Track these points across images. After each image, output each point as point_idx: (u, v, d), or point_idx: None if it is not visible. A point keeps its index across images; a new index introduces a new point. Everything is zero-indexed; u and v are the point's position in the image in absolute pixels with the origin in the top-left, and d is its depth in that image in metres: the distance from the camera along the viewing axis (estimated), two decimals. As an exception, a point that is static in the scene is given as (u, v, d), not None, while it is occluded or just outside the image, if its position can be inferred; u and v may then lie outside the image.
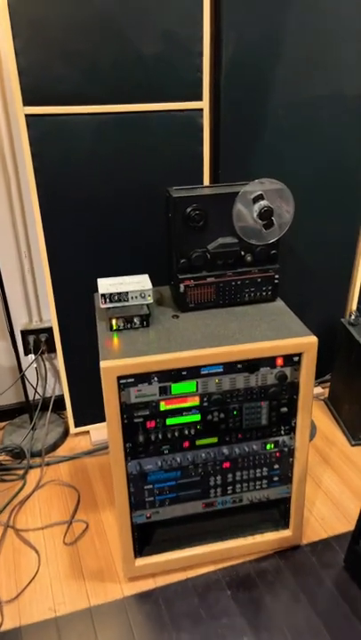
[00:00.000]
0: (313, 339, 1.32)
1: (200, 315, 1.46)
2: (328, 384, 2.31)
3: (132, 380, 1.27)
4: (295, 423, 1.43)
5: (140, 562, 1.52)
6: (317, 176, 1.92)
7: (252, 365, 1.32)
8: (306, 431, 1.44)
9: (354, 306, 2.19)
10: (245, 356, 1.30)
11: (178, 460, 1.40)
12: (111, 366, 1.23)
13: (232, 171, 1.80)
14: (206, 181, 1.79)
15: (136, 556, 1.52)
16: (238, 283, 1.47)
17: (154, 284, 1.55)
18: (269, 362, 1.33)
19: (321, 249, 2.07)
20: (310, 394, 1.39)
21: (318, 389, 2.39)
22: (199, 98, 1.65)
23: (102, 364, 1.23)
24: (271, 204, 1.40)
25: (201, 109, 1.67)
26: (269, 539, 1.59)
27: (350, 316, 2.10)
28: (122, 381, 1.26)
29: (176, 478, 1.43)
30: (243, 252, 1.45)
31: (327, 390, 2.33)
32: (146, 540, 1.55)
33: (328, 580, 1.55)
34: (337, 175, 1.95)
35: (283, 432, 1.44)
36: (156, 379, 1.28)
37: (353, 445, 2.07)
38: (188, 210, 1.37)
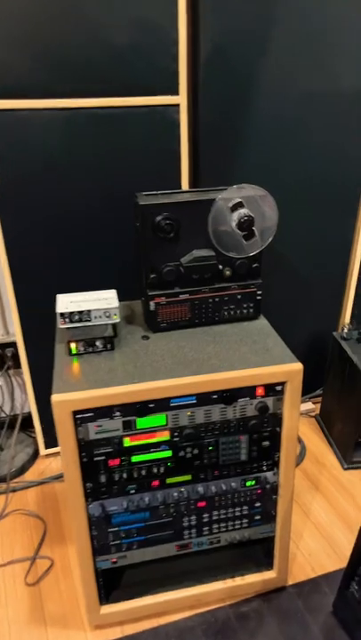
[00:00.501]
0: (298, 366, 1.17)
1: (173, 336, 1.30)
2: (319, 399, 2.17)
3: (91, 414, 1.11)
4: (278, 458, 1.28)
5: (107, 609, 1.37)
6: (307, 179, 1.76)
7: (229, 396, 1.17)
8: (291, 466, 1.29)
9: (347, 319, 2.04)
10: (222, 386, 1.14)
11: (146, 500, 1.24)
12: (65, 400, 1.08)
13: (214, 173, 1.64)
14: (185, 185, 1.63)
15: (102, 603, 1.36)
16: (216, 300, 1.32)
17: (127, 298, 1.40)
18: (249, 391, 1.18)
19: (312, 258, 1.92)
20: (295, 426, 1.23)
21: (309, 405, 2.25)
22: (175, 92, 1.49)
23: (54, 397, 1.07)
24: (252, 212, 1.24)
25: (177, 105, 1.50)
26: (251, 581, 1.44)
27: (343, 329, 1.94)
28: (79, 416, 1.10)
29: (145, 520, 1.27)
30: (221, 266, 1.29)
31: (318, 406, 2.18)
32: (114, 583, 1.40)
33: (315, 627, 1.40)
34: (329, 179, 1.79)
35: (265, 467, 1.29)
36: (118, 413, 1.12)
37: (345, 469, 1.93)
38: (158, 219, 1.21)
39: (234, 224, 1.25)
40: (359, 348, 1.88)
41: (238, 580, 1.43)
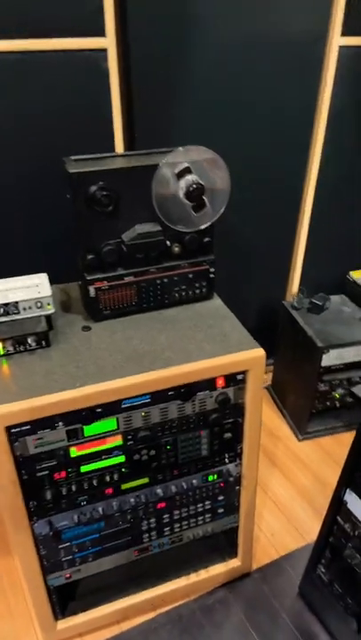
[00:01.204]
0: (259, 352, 1.05)
1: (118, 324, 1.14)
2: (271, 369, 2.10)
3: (29, 427, 0.94)
4: (241, 449, 1.18)
5: (63, 624, 1.25)
6: (256, 136, 1.61)
7: (187, 392, 1.04)
8: (254, 456, 1.20)
9: (295, 287, 1.96)
10: (179, 381, 1.01)
11: (100, 510, 1.11)
12: (-5, 415, 0.90)
13: (152, 133, 1.45)
14: (119, 148, 1.43)
15: (57, 618, 1.24)
16: (165, 280, 1.16)
17: (61, 280, 1.21)
18: (208, 384, 1.06)
19: (259, 226, 1.79)
20: (258, 415, 1.14)
21: (259, 376, 2.18)
22: (101, 33, 1.26)
23: (-19, 414, 0.89)
24: (201, 179, 1.08)
25: (105, 50, 1.28)
26: (216, 572, 1.37)
27: (293, 299, 1.86)
28: (14, 430, 0.93)
29: (99, 530, 1.14)
30: (168, 242, 1.13)
31: (270, 377, 2.12)
32: (69, 595, 1.28)
33: (282, 612, 1.36)
34: (279, 136, 1.64)
35: (227, 460, 1.19)
36: (61, 423, 0.96)
37: (300, 440, 1.89)
38: (93, 189, 1.02)
39: (181, 193, 1.08)
40: (310, 318, 1.82)
41: (203, 574, 1.36)
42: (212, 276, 1.20)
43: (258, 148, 1.64)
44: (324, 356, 1.68)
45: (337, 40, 1.57)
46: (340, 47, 1.59)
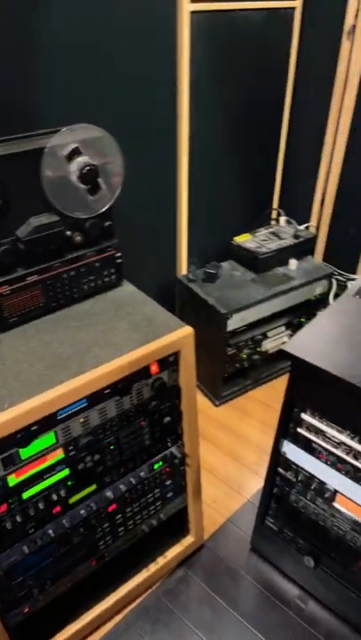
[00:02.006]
0: (188, 330, 1.04)
1: (31, 330, 1.03)
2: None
3: None
4: (182, 430, 1.17)
5: (29, 662, 1.15)
6: (127, 108, 1.55)
7: (124, 386, 0.98)
8: (195, 434, 1.20)
9: (184, 260, 1.97)
10: (114, 377, 0.95)
11: (50, 532, 1.02)
12: None
13: (12, 110, 1.29)
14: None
15: (21, 658, 1.13)
16: (72, 274, 1.07)
17: None
18: (143, 372, 1.01)
19: (141, 204, 1.75)
20: (193, 393, 1.13)
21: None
22: None
23: None
24: (92, 159, 1.00)
25: None
26: (173, 555, 1.37)
27: (188, 272, 1.87)
28: None
29: (52, 553, 1.06)
30: (68, 232, 1.04)
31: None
32: (31, 625, 1.17)
33: (241, 570, 1.42)
34: (148, 106, 1.60)
35: (169, 444, 1.17)
36: (-7, 452, 0.85)
37: (218, 405, 1.95)
38: (-25, 184, 0.89)
39: (74, 177, 1.00)
40: (207, 287, 1.85)
41: (161, 561, 1.35)
42: (119, 261, 1.14)
43: (130, 121, 1.58)
44: (228, 322, 1.73)
45: (187, 6, 1.56)
46: (191, 12, 1.58)
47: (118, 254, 1.13)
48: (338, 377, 0.97)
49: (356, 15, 1.95)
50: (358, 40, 1.99)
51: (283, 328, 1.97)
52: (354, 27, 1.98)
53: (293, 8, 1.89)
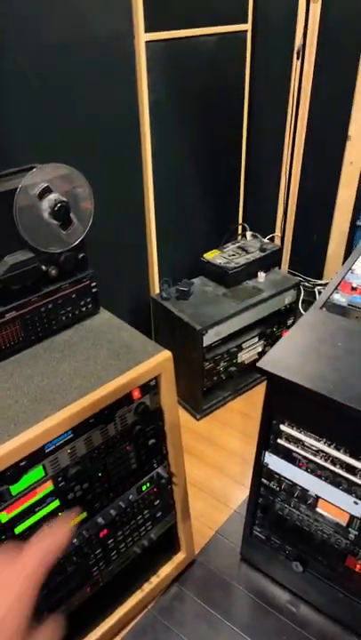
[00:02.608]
0: (166, 354, 1.08)
1: (11, 365, 1.05)
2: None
3: None
4: (166, 450, 1.20)
5: None
6: (88, 135, 1.58)
7: (107, 414, 1.01)
8: (179, 453, 1.23)
9: (156, 280, 2.01)
10: (98, 407, 0.98)
11: (44, 563, 1.03)
12: None
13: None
14: None
15: None
16: (49, 307, 1.10)
17: None
18: (125, 399, 1.04)
19: (112, 227, 1.78)
20: (176, 414, 1.17)
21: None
22: None
23: None
24: (63, 195, 1.03)
25: None
26: (166, 573, 1.39)
27: (161, 291, 1.91)
28: None
29: (47, 584, 1.07)
30: (44, 267, 1.06)
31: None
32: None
33: (233, 581, 1.45)
34: (111, 135, 1.64)
35: (155, 464, 1.20)
36: (-16, 491, 0.86)
37: (199, 419, 1.99)
38: None
39: (46, 214, 1.02)
40: (181, 304, 1.89)
41: (155, 580, 1.37)
42: (95, 290, 1.17)
43: (95, 150, 1.62)
44: (204, 337, 1.78)
45: (142, 36, 1.61)
46: (147, 42, 1.63)
47: (93, 284, 1.16)
48: (310, 389, 1.02)
49: (304, 35, 2.06)
50: (308, 59, 2.10)
51: (256, 339, 2.03)
52: (303, 46, 2.08)
53: (245, 31, 1.97)
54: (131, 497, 1.16)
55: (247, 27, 1.95)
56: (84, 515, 1.08)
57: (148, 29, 1.61)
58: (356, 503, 1.13)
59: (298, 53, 2.07)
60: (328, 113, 2.13)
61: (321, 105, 2.14)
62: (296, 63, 2.10)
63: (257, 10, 1.94)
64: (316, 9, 2.00)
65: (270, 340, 2.07)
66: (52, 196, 1.02)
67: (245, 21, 1.92)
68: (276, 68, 2.12)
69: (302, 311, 2.34)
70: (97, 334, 1.13)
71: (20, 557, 0.46)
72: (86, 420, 0.98)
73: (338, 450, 1.11)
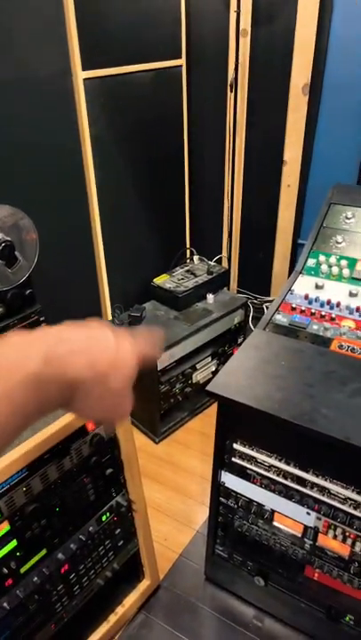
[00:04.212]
0: (118, 384, 1.09)
1: None
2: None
3: None
4: (124, 478, 1.22)
5: None
6: (31, 171, 1.60)
7: (62, 448, 1.02)
8: (137, 480, 1.25)
9: (108, 306, 2.03)
10: (52, 442, 0.98)
11: (5, 605, 1.02)
12: None
13: None
14: None
15: None
16: (-2, 345, 1.10)
17: None
18: (80, 432, 1.05)
19: (59, 259, 1.80)
20: (131, 440, 1.18)
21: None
22: None
23: None
24: (7, 235, 1.05)
25: None
26: (131, 601, 1.39)
27: (113, 317, 1.94)
28: None
29: (10, 625, 1.05)
30: (-9, 306, 1.07)
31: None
32: None
33: (199, 603, 1.46)
34: (55, 173, 1.67)
35: (114, 493, 1.21)
36: None
37: (158, 442, 2.01)
38: None
39: (-9, 254, 1.04)
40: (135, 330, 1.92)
41: (120, 610, 1.36)
42: (44, 324, 1.18)
43: (41, 188, 1.64)
44: (157, 362, 1.81)
45: (80, 74, 1.66)
46: (85, 80, 1.69)
47: (42, 318, 1.18)
48: (258, 409, 1.07)
49: (236, 69, 2.17)
50: (241, 91, 2.21)
51: (209, 358, 2.08)
52: (235, 79, 2.20)
53: (180, 66, 2.06)
54: (91, 528, 1.17)
55: (181, 62, 2.05)
56: (44, 552, 1.07)
57: (85, 67, 1.66)
58: (308, 514, 1.19)
59: (231, 86, 2.19)
60: (264, 140, 2.25)
61: (256, 133, 2.25)
62: (230, 95, 2.21)
63: (190, 45, 2.04)
64: (245, 43, 2.13)
65: (223, 358, 2.13)
66: (-4, 237, 1.03)
67: (180, 57, 2.01)
68: (212, 101, 2.22)
69: (252, 328, 2.41)
70: (48, 369, 1.14)
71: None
72: (41, 456, 0.98)
73: (288, 464, 1.16)
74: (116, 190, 1.92)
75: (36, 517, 1.02)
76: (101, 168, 1.81)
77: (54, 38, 1.55)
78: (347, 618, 1.27)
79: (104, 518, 1.20)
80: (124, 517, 1.26)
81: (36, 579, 1.06)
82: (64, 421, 0.99)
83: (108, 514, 1.21)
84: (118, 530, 1.25)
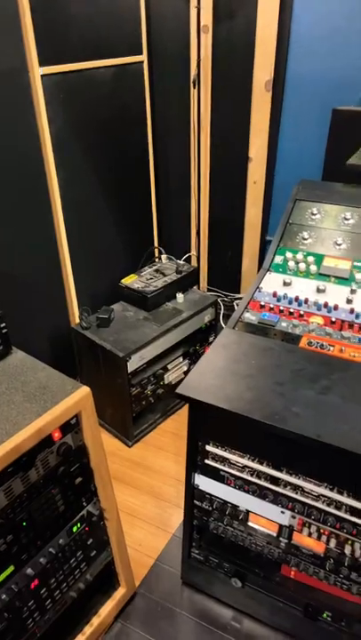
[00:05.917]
0: (85, 390, 1.06)
1: None
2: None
3: None
4: (95, 486, 1.18)
5: None
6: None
7: (26, 460, 0.98)
8: (108, 488, 1.21)
9: (75, 309, 1.98)
10: (15, 454, 0.94)
11: (-28, 627, 0.97)
12: None
13: None
14: None
15: None
16: None
17: None
18: (45, 442, 1.01)
19: (23, 260, 1.74)
20: (101, 448, 1.15)
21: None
22: None
23: None
24: None
25: None
26: (107, 611, 1.35)
27: (81, 320, 1.89)
28: None
29: (-22, 648, 1.00)
30: None
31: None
32: None
33: (176, 608, 1.44)
34: (13, 172, 1.61)
35: (84, 503, 1.17)
36: None
37: (131, 446, 1.97)
38: None
39: None
40: (102, 332, 1.88)
41: (96, 621, 1.33)
42: (4, 331, 1.13)
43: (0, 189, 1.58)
44: (128, 364, 1.77)
45: (37, 70, 1.61)
46: (42, 76, 1.63)
47: (2, 325, 1.12)
48: (229, 410, 1.05)
49: (198, 65, 2.15)
50: (204, 88, 2.20)
51: (181, 359, 2.06)
52: (198, 75, 2.18)
53: (141, 62, 2.02)
54: (61, 541, 1.13)
55: (143, 58, 2.01)
56: (11, 568, 1.03)
57: (42, 63, 1.61)
58: (282, 512, 1.18)
59: (194, 82, 2.17)
60: (228, 137, 2.24)
61: (221, 130, 2.24)
62: (193, 92, 2.19)
63: (151, 41, 2.01)
64: (207, 39, 2.11)
65: (194, 357, 2.11)
66: None
67: (140, 52, 1.98)
68: (176, 97, 2.20)
69: (224, 326, 2.40)
70: (10, 376, 1.10)
71: None
72: (4, 470, 0.94)
73: (261, 464, 1.15)
74: (80, 190, 1.87)
75: (1, 534, 0.97)
76: (63, 167, 1.76)
77: (8, 32, 1.49)
78: (324, 615, 1.27)
79: (75, 529, 1.16)
80: (95, 526, 1.22)
81: (4, 596, 1.02)
82: (27, 432, 0.95)
83: (79, 524, 1.17)
84: (90, 540, 1.22)
